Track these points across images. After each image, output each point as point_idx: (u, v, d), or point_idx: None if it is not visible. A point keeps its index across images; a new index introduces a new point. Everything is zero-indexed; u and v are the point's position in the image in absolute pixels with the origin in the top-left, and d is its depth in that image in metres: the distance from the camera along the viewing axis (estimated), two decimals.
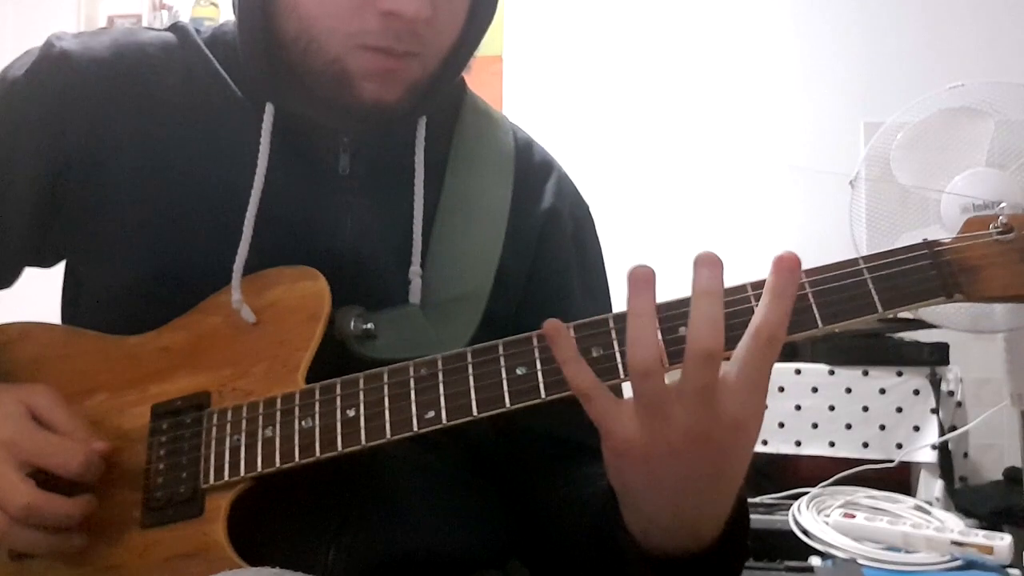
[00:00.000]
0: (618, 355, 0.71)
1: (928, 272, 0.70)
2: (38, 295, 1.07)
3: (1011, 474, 1.97)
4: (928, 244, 0.71)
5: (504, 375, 0.73)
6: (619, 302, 1.00)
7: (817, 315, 0.70)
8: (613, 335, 0.71)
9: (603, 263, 1.02)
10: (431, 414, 0.74)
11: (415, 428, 0.74)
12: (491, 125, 0.99)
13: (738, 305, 0.69)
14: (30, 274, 0.97)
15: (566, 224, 0.98)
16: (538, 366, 0.73)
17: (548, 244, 0.95)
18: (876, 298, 0.70)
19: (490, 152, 0.96)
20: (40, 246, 0.92)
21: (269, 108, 0.86)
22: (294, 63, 0.85)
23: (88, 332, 0.88)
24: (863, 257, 0.71)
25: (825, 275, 0.70)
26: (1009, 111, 1.70)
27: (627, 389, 0.66)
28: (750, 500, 1.67)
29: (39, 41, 0.90)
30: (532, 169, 0.98)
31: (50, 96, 0.87)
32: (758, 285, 0.69)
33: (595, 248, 1.02)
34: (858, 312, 0.70)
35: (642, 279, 0.63)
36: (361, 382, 0.77)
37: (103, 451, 0.78)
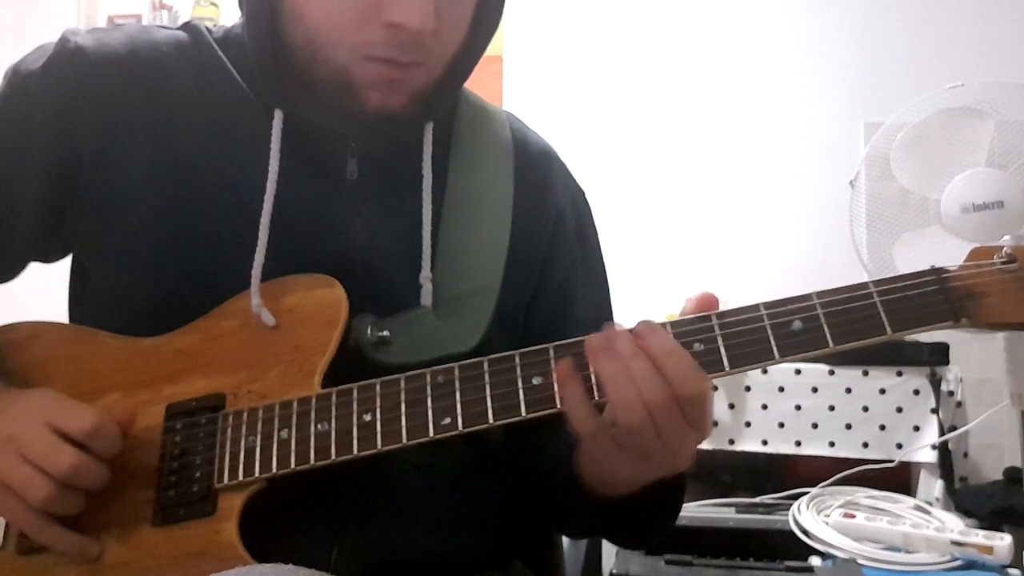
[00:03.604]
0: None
1: (935, 296, 0.72)
2: (44, 290, 1.08)
3: (1011, 474, 1.96)
4: (936, 271, 0.73)
5: (520, 384, 0.75)
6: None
7: (828, 335, 0.72)
8: None
9: (600, 248, 1.04)
10: (447, 420, 0.75)
11: (431, 434, 0.75)
12: (487, 120, 0.99)
13: (753, 324, 0.73)
14: (34, 270, 0.97)
15: (570, 222, 0.99)
16: (554, 377, 0.74)
17: (557, 249, 0.97)
18: (885, 320, 0.72)
19: (489, 147, 0.97)
20: (48, 240, 0.92)
21: (278, 114, 0.87)
22: (300, 70, 0.85)
23: (100, 332, 0.88)
24: (873, 281, 0.73)
25: (836, 297, 0.73)
26: (1009, 111, 1.70)
27: None
28: (751, 500, 1.68)
29: (39, 41, 0.91)
30: (531, 161, 0.99)
31: (64, 91, 0.87)
32: (771, 305, 0.73)
33: (594, 237, 1.04)
34: (868, 333, 0.72)
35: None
36: (378, 387, 0.78)
37: (118, 419, 0.80)
